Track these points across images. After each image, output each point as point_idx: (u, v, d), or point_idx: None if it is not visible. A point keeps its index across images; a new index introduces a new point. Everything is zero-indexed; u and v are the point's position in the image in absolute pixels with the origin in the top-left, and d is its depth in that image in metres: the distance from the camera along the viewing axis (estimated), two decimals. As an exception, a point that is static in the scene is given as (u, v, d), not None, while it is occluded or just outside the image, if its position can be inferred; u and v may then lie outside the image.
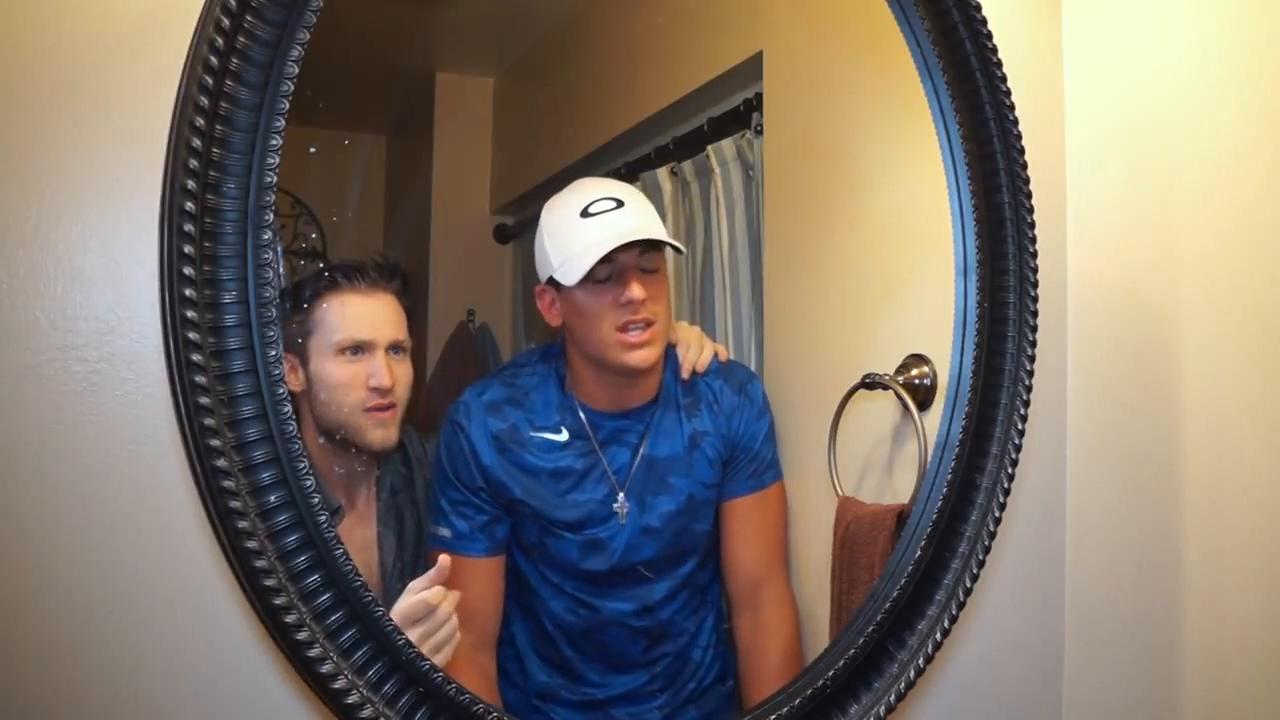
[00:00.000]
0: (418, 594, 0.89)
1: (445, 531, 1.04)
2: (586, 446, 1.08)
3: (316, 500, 0.77)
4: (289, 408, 0.76)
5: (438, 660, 0.86)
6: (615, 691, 1.10)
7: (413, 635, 0.86)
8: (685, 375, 1.14)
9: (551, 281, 1.05)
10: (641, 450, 1.10)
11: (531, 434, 1.07)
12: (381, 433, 0.98)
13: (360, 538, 1.00)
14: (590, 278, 1.02)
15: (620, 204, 1.05)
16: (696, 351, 1.16)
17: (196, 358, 0.73)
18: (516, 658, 1.10)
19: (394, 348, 0.97)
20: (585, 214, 1.04)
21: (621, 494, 1.08)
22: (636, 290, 1.03)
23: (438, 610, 0.89)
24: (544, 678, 1.09)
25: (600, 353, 1.06)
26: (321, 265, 1.07)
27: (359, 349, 0.96)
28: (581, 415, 1.09)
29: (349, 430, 0.96)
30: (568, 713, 1.09)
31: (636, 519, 1.08)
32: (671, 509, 1.10)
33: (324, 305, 0.97)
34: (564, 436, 1.08)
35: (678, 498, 1.10)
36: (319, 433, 0.96)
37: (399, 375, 0.98)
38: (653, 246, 1.06)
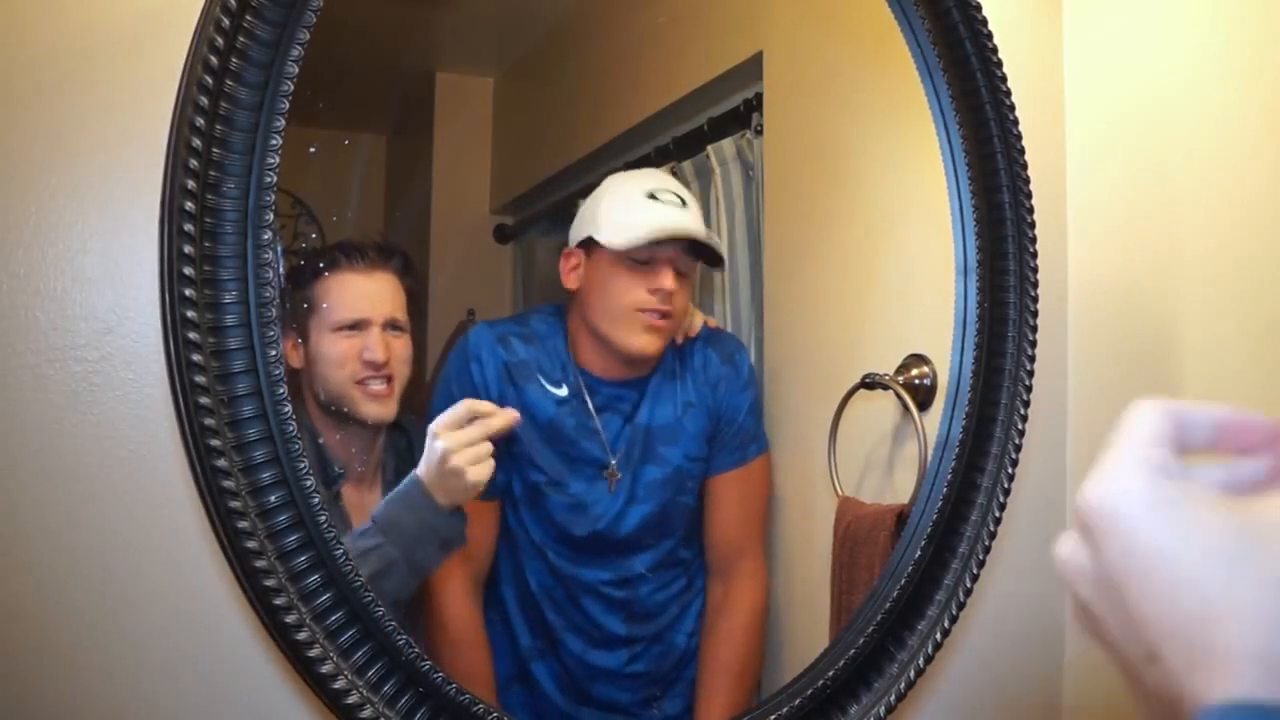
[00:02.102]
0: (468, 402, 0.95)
1: None
2: (583, 410, 1.09)
3: (316, 500, 0.77)
4: (289, 408, 0.76)
5: (471, 476, 0.92)
6: (595, 666, 1.10)
7: (451, 439, 0.91)
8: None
9: (586, 244, 1.08)
10: (636, 418, 1.11)
11: (537, 374, 1.08)
12: (376, 406, 0.99)
13: (365, 515, 1.01)
14: (632, 254, 1.06)
15: (685, 204, 1.11)
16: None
17: (196, 358, 0.73)
18: (504, 620, 1.10)
19: (390, 325, 0.99)
20: (652, 196, 1.09)
21: (614, 461, 1.09)
22: (670, 281, 1.07)
23: (486, 420, 0.94)
24: (527, 640, 1.09)
25: (609, 328, 1.08)
26: (316, 254, 1.08)
27: (355, 325, 0.98)
28: (580, 378, 1.10)
29: (345, 403, 0.98)
30: (552, 685, 1.09)
31: (626, 487, 1.09)
32: (659, 478, 1.11)
33: (324, 283, 0.99)
34: (564, 392, 1.09)
35: (665, 468, 1.11)
36: (319, 406, 0.98)
37: (395, 351, 1.00)
38: (691, 252, 1.10)
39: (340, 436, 0.99)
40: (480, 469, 0.93)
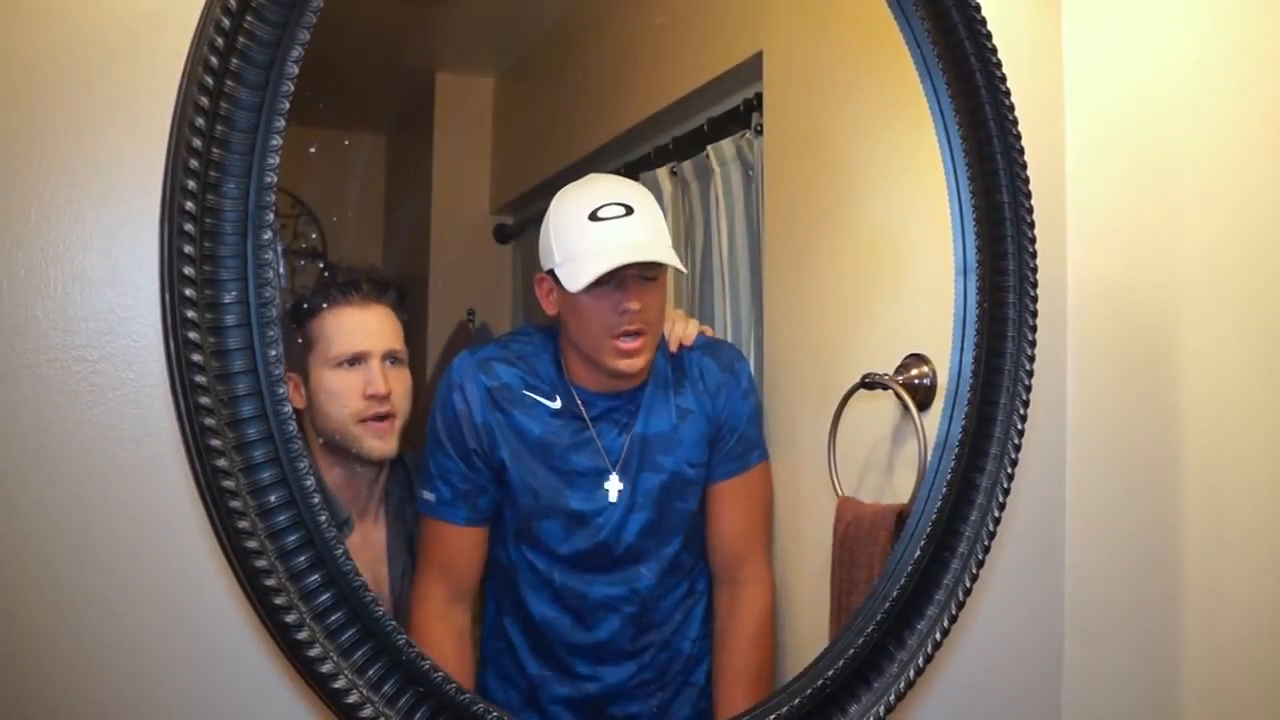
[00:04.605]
0: None
1: (429, 495, 1.04)
2: (578, 424, 1.09)
3: (316, 500, 0.77)
4: (289, 407, 0.76)
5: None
6: (606, 683, 1.10)
7: None
8: (674, 349, 1.14)
9: (552, 273, 1.06)
10: (633, 429, 1.11)
11: (524, 392, 1.08)
12: (379, 443, 0.99)
13: (370, 552, 1.01)
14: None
15: (629, 211, 1.06)
16: (683, 327, 1.17)
17: (196, 358, 0.73)
18: (510, 650, 1.10)
19: (389, 357, 0.99)
20: (594, 217, 1.05)
21: (615, 473, 1.09)
22: (634, 303, 1.05)
23: None
24: (535, 669, 1.09)
25: (591, 352, 1.08)
26: (313, 286, 1.08)
27: (355, 360, 0.98)
28: (574, 393, 1.09)
29: (348, 439, 0.98)
30: (562, 709, 1.09)
31: (626, 495, 1.09)
32: (656, 485, 1.11)
33: (320, 320, 0.99)
34: (557, 404, 1.09)
35: (662, 474, 1.11)
36: (322, 445, 0.97)
37: (395, 384, 0.99)
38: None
39: (343, 475, 0.99)
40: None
